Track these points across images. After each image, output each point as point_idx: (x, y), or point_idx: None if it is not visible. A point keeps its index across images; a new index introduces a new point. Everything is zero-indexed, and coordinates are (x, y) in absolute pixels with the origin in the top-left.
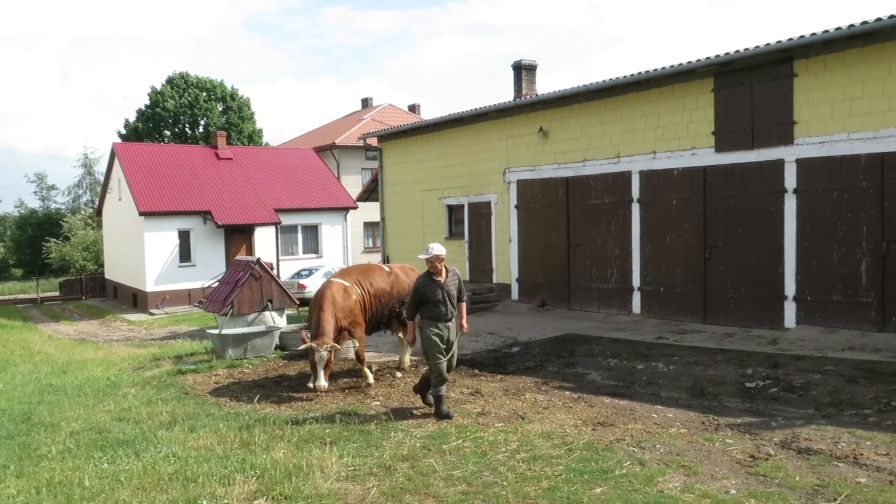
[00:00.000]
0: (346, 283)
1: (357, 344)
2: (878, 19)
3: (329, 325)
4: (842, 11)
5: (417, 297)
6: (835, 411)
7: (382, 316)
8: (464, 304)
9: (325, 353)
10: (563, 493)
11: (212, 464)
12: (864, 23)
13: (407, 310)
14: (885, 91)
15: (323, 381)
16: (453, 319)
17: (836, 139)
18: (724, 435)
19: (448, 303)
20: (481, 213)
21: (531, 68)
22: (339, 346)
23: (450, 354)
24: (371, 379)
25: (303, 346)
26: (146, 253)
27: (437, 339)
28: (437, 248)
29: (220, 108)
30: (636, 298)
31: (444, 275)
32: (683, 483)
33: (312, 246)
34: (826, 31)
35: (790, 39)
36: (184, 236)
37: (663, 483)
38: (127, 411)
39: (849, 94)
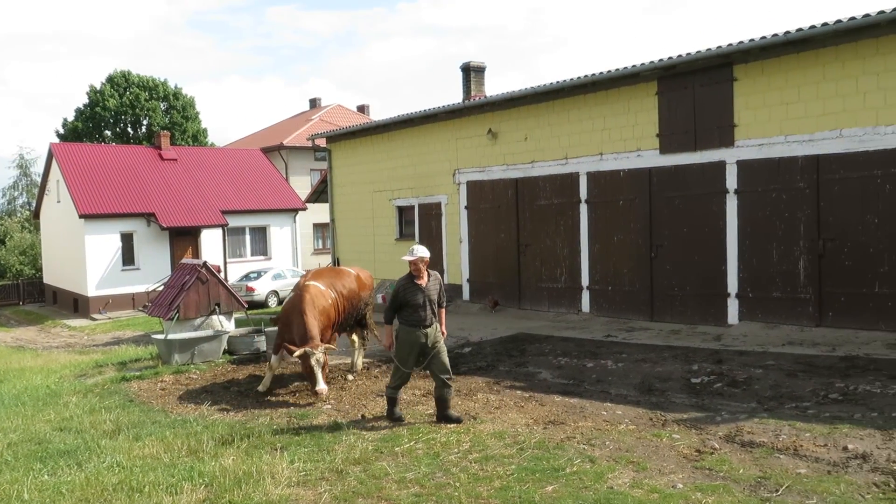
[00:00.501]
0: (322, 286)
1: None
2: (812, 27)
3: (315, 329)
4: (781, 18)
5: (397, 300)
6: (776, 405)
7: (351, 318)
8: (444, 310)
9: (320, 356)
10: (515, 492)
11: (158, 473)
12: (800, 30)
13: (385, 312)
14: (820, 95)
15: (323, 385)
16: (433, 325)
17: (774, 141)
18: (671, 430)
19: (428, 308)
20: (431, 213)
21: (480, 70)
22: (333, 347)
23: (427, 361)
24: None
25: (297, 353)
26: (87, 256)
27: (409, 346)
28: (422, 251)
29: (164, 108)
30: (585, 297)
31: (425, 278)
32: (632, 479)
33: (261, 248)
34: (764, 38)
35: (730, 45)
36: (127, 239)
37: (613, 479)
38: (68, 420)
39: (786, 97)
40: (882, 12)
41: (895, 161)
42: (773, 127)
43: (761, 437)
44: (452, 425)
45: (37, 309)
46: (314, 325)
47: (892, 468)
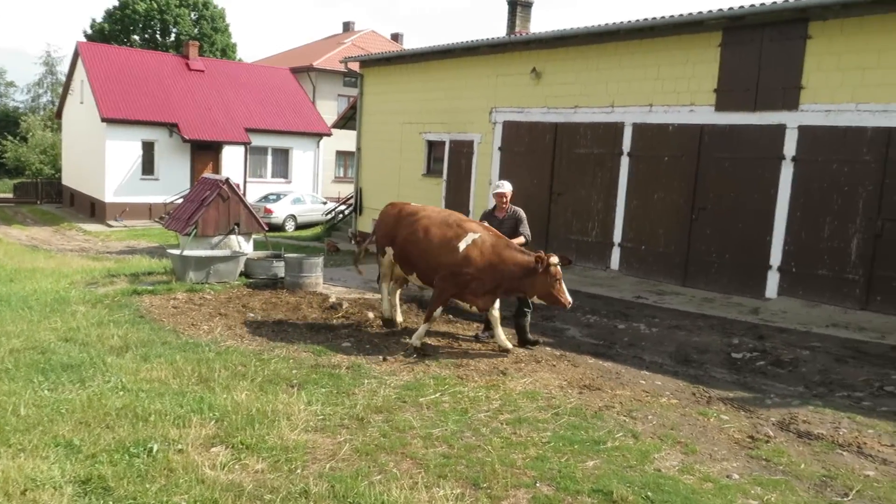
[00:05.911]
0: None
1: None
2: None
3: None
4: None
5: None
6: (826, 391)
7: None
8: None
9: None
10: (553, 464)
11: (166, 400)
12: None
13: None
14: None
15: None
16: None
17: (843, 108)
18: (717, 410)
19: None
20: (462, 152)
21: (527, 4)
22: None
23: None
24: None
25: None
26: (107, 162)
27: None
28: (503, 186)
29: (193, 17)
30: (615, 254)
31: (504, 213)
32: (681, 462)
33: (282, 170)
34: None
35: None
36: (147, 148)
37: (660, 461)
38: (75, 331)
39: (863, 62)
40: None
41: None
42: (845, 93)
43: (819, 428)
44: (484, 380)
45: (54, 210)
46: None
47: None
